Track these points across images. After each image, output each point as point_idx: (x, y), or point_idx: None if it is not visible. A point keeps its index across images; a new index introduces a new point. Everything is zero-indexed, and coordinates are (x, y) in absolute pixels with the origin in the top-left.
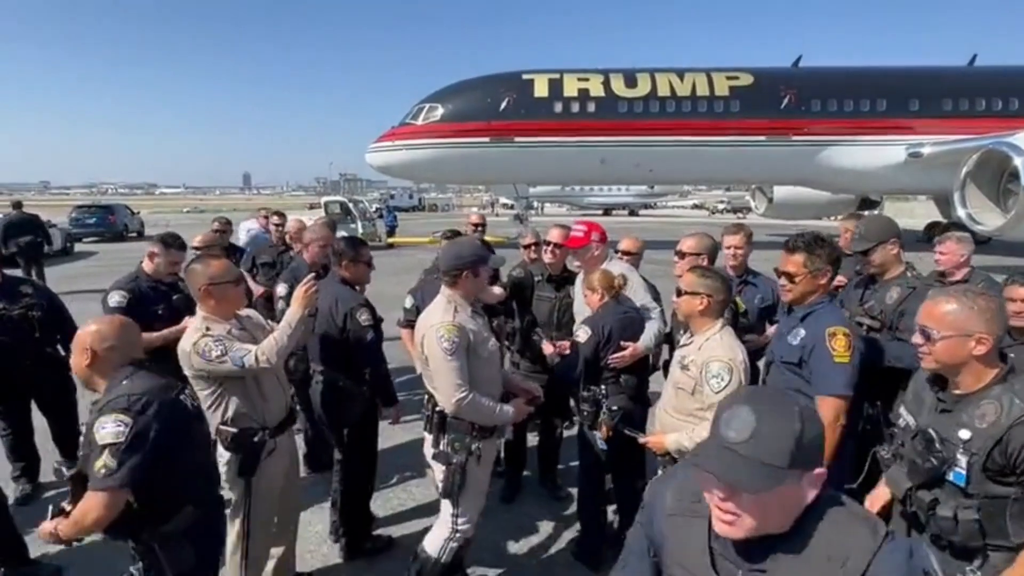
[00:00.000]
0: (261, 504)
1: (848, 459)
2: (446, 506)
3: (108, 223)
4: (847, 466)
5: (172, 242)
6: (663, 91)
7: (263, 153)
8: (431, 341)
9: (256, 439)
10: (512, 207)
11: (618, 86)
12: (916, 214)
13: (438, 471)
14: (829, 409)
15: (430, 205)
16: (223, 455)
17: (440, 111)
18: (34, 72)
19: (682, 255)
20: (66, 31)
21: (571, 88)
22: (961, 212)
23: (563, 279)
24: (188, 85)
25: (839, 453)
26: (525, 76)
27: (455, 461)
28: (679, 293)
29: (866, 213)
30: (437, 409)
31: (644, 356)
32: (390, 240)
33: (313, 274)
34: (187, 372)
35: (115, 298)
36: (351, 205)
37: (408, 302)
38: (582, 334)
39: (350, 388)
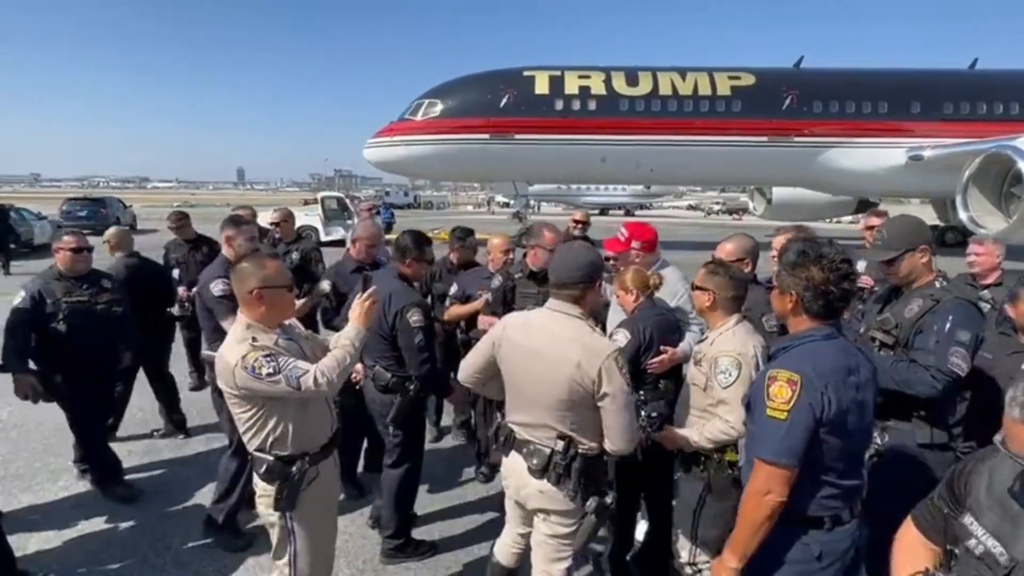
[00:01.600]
0: (308, 543)
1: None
2: (557, 569)
3: (100, 216)
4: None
5: (240, 219)
6: (665, 90)
7: (258, 148)
8: (612, 372)
9: (295, 468)
10: (509, 205)
11: (619, 84)
12: None
13: (562, 523)
14: (757, 476)
15: (425, 202)
16: (258, 484)
17: (440, 107)
18: (25, 64)
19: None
20: (59, 24)
21: (572, 86)
22: (963, 215)
23: (546, 274)
24: (182, 79)
25: (776, 540)
26: (526, 73)
27: (611, 506)
28: (693, 287)
29: (881, 208)
30: (581, 452)
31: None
32: (388, 237)
33: (375, 287)
34: (224, 388)
35: (219, 287)
36: (348, 201)
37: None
38: (621, 337)
39: (399, 384)
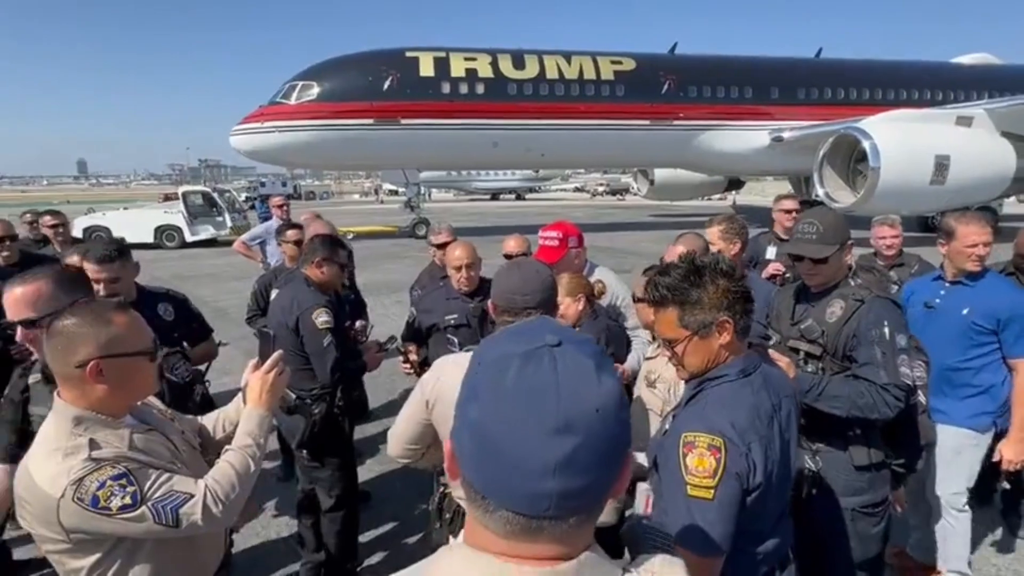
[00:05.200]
0: None
1: None
2: None
3: None
4: None
5: (108, 254)
6: (552, 74)
7: (103, 137)
8: None
9: None
10: (399, 193)
11: (506, 67)
12: (767, 193)
13: None
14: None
15: (307, 193)
16: None
17: (316, 90)
18: None
19: None
20: None
21: (458, 68)
22: (820, 191)
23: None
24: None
25: None
26: (408, 54)
27: None
28: (635, 299)
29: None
30: None
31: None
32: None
33: (280, 351)
34: (37, 531)
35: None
36: (216, 196)
37: None
38: None
39: (302, 405)
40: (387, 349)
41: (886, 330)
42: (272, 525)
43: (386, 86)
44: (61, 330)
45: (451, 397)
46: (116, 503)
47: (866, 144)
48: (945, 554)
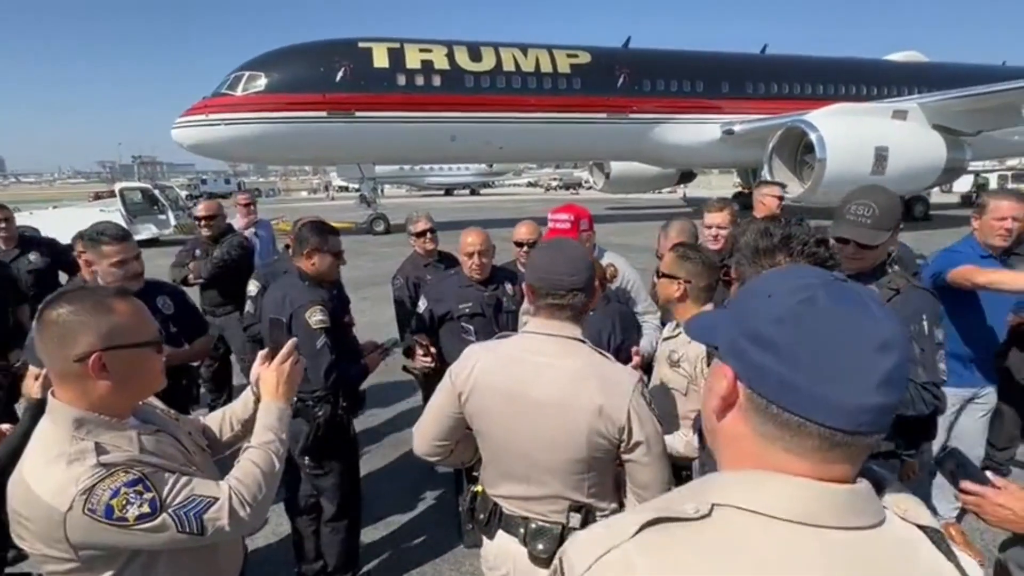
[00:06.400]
0: None
1: None
2: None
3: None
4: None
5: (120, 234)
6: (508, 66)
7: (22, 132)
8: (643, 411)
9: None
10: (350, 189)
11: (463, 59)
12: (713, 186)
13: None
14: None
15: (252, 189)
16: None
17: (264, 80)
18: None
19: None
20: None
21: (413, 59)
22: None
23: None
24: None
25: None
26: (361, 44)
27: None
28: (659, 275)
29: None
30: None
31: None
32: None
33: (294, 339)
34: (36, 550)
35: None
36: (157, 192)
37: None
38: None
39: (303, 408)
40: (389, 353)
41: (925, 324)
42: (261, 532)
43: (339, 77)
44: (56, 320)
45: (487, 385)
46: (133, 512)
47: (813, 136)
48: (939, 504)
